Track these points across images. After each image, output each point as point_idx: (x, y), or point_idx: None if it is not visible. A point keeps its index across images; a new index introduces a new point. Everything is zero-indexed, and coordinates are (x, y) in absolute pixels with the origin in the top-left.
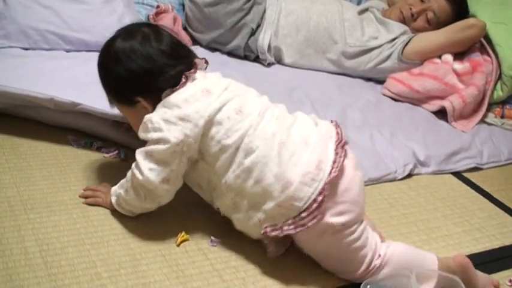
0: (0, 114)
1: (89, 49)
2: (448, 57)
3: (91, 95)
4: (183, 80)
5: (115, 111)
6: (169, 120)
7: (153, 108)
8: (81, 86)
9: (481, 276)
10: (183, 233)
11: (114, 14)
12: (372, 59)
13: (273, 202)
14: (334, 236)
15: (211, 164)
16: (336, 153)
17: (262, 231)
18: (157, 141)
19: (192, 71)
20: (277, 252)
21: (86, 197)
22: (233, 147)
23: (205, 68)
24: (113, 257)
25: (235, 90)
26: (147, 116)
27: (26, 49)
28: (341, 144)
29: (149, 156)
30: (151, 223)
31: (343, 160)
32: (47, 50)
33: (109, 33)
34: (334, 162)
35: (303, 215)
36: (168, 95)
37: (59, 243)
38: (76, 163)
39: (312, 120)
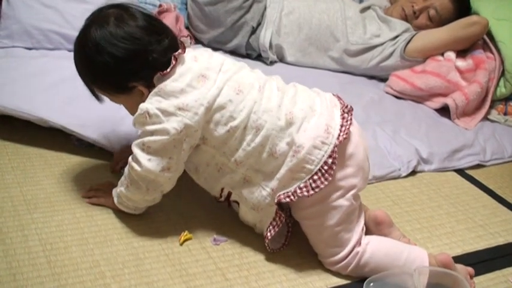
0: (3, 115)
1: None
2: (450, 55)
3: (86, 115)
4: (173, 62)
5: (106, 140)
6: (168, 110)
7: (149, 92)
8: (76, 103)
9: (460, 268)
10: (186, 232)
11: None
12: (374, 57)
13: (286, 168)
14: (337, 202)
15: (216, 147)
16: (343, 118)
17: (276, 200)
18: (155, 132)
19: (180, 51)
20: (276, 246)
21: (89, 198)
22: (241, 127)
23: (190, 44)
24: (117, 256)
25: (230, 69)
26: (142, 107)
27: (30, 49)
28: (347, 110)
29: (147, 148)
30: (154, 222)
31: (350, 125)
32: (50, 49)
33: None
34: (341, 126)
35: (315, 177)
36: (161, 79)
37: (63, 242)
38: (79, 162)
39: (312, 91)
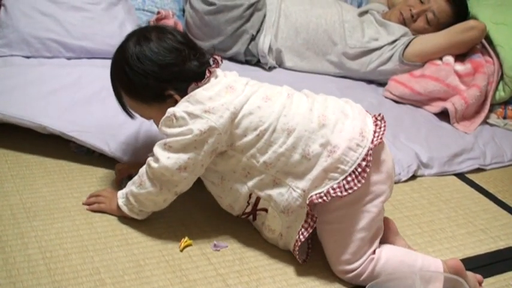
0: (2, 123)
1: (90, 56)
2: (449, 59)
3: (84, 121)
4: (207, 74)
5: (105, 146)
6: (194, 113)
7: None
8: (76, 109)
9: (469, 275)
10: (186, 238)
11: (115, 21)
12: (372, 61)
13: (319, 168)
14: (366, 207)
15: (244, 151)
16: (376, 125)
17: (308, 201)
18: (180, 133)
19: (214, 66)
20: (303, 257)
21: (89, 204)
22: (270, 129)
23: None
24: (117, 263)
25: (256, 84)
26: (169, 111)
27: (28, 57)
28: (380, 118)
29: (168, 147)
30: (154, 229)
31: (384, 131)
32: (48, 58)
33: (110, 40)
34: (375, 132)
35: (349, 178)
36: (194, 89)
37: (62, 250)
38: (78, 170)
39: (341, 100)
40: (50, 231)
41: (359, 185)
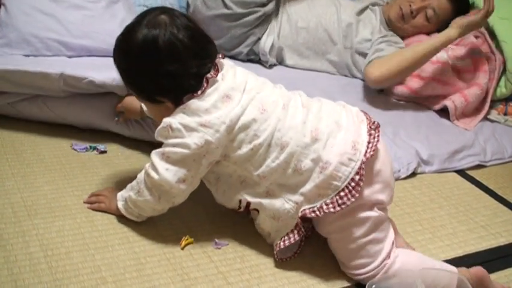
0: (2, 119)
1: (91, 55)
2: (444, 56)
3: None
4: (204, 84)
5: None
6: (190, 125)
7: (175, 107)
8: (87, 67)
9: (495, 285)
10: (187, 236)
11: (116, 19)
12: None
13: (312, 184)
14: (364, 214)
15: (238, 163)
16: (370, 135)
17: (300, 214)
18: (177, 145)
19: (213, 73)
20: (284, 255)
21: (90, 203)
22: (265, 144)
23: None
24: (118, 261)
25: (253, 88)
26: (165, 121)
27: (28, 56)
28: (374, 126)
29: (166, 157)
30: (155, 227)
31: (377, 142)
32: (48, 57)
33: (111, 38)
34: (368, 143)
35: (342, 193)
36: (189, 98)
37: (64, 248)
38: (79, 168)
39: (338, 105)
40: (51, 229)
41: (353, 199)
